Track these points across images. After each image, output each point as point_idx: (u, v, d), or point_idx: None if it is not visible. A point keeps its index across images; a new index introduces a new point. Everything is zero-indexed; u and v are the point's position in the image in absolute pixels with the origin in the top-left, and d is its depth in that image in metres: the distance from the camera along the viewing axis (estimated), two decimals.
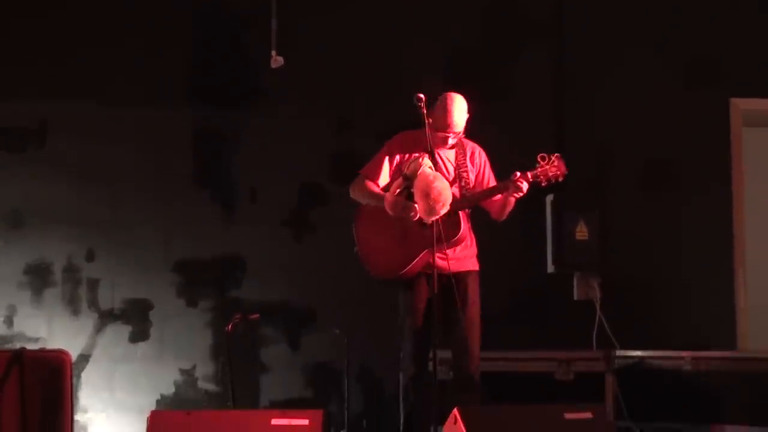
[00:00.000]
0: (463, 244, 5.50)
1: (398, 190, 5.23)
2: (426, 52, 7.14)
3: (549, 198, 6.93)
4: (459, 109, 5.45)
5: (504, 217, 5.60)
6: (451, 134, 5.46)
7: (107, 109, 7.10)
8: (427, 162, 5.17)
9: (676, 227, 7.22)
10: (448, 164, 5.53)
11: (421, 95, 5.11)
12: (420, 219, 5.18)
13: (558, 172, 5.40)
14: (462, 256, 5.50)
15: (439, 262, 5.25)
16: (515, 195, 5.39)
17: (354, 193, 5.63)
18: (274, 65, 6.75)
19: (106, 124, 7.11)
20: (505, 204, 5.52)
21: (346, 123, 7.09)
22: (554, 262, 6.92)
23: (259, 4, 6.88)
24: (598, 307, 6.80)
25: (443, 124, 5.43)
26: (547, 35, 7.41)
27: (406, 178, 5.19)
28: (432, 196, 4.96)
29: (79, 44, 7.14)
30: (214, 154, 7.20)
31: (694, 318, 7.06)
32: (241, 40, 7.24)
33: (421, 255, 5.35)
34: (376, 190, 5.52)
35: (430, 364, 5.27)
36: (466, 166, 5.55)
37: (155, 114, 7.12)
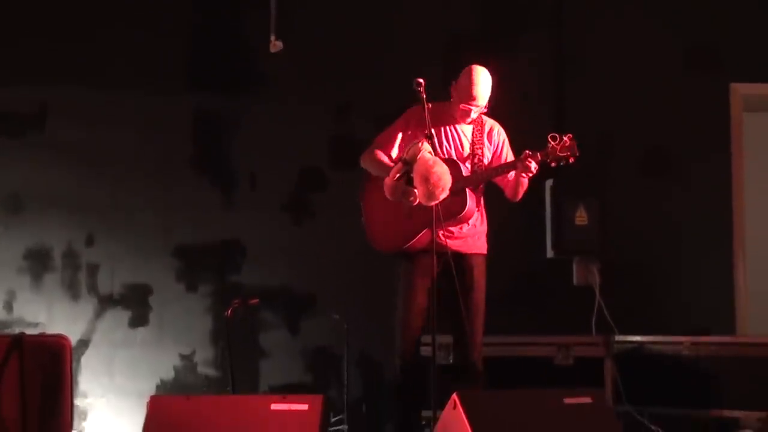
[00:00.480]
0: (471, 223, 5.45)
1: (398, 175, 5.22)
2: (425, 36, 7.13)
3: (549, 183, 6.93)
4: (485, 81, 5.44)
5: (518, 198, 5.52)
6: (474, 107, 5.44)
7: (107, 94, 7.09)
8: (426, 147, 5.15)
9: (676, 213, 7.22)
10: (463, 139, 5.50)
11: (420, 79, 5.09)
12: (420, 203, 5.17)
13: (568, 153, 5.30)
14: (467, 235, 5.42)
15: (445, 240, 5.26)
16: (525, 174, 5.34)
17: (364, 162, 5.59)
18: (273, 50, 6.75)
19: (105, 108, 7.10)
20: (517, 183, 5.45)
21: (346, 107, 7.08)
22: (554, 247, 6.92)
23: None
24: (597, 293, 6.81)
25: (467, 95, 5.42)
26: (547, 21, 7.39)
27: (405, 163, 5.17)
28: (431, 181, 4.95)
29: (79, 29, 7.12)
30: (214, 138, 7.19)
31: (694, 303, 7.07)
32: (240, 24, 7.23)
33: (424, 230, 5.32)
34: (386, 161, 5.48)
35: (426, 348, 5.29)
36: (482, 143, 5.51)
37: (155, 99, 7.11)
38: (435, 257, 5.09)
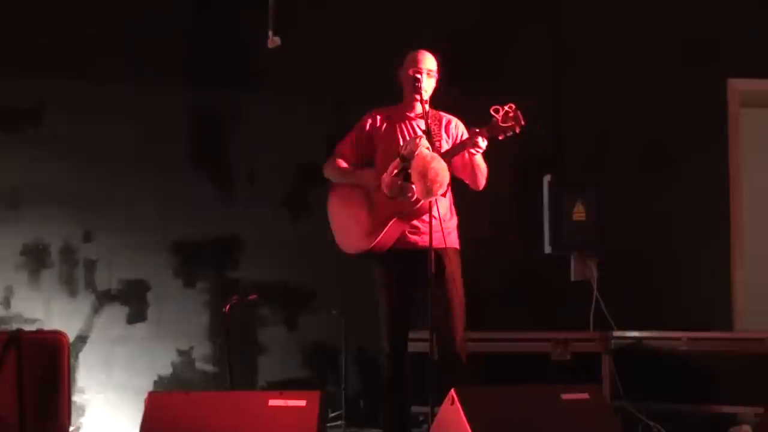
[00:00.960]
0: (439, 218, 5.26)
1: (395, 171, 5.23)
2: (424, 31, 7.12)
3: (546, 178, 6.92)
4: (427, 53, 5.54)
5: (480, 184, 5.48)
6: (421, 72, 5.46)
7: (104, 89, 7.08)
8: (424, 143, 5.16)
9: (674, 208, 7.23)
10: (420, 133, 5.45)
11: None
12: (417, 199, 5.18)
13: (512, 123, 5.20)
14: (435, 231, 5.21)
15: (412, 237, 5.37)
16: (474, 151, 5.28)
17: (326, 172, 5.69)
18: (270, 45, 6.73)
19: (103, 104, 7.09)
20: (472, 167, 5.40)
21: (344, 103, 7.07)
22: (551, 242, 6.91)
23: None
24: (595, 288, 6.80)
25: (413, 60, 5.52)
26: (545, 16, 7.40)
27: (403, 159, 5.18)
28: (429, 177, 4.95)
29: (76, 23, 7.10)
30: (212, 134, 7.19)
31: (691, 298, 7.08)
32: (238, 20, 7.22)
33: (387, 227, 5.34)
34: (344, 165, 5.59)
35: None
36: (440, 136, 5.49)
37: (153, 94, 7.10)
38: (432, 254, 5.09)
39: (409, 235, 5.40)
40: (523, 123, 5.22)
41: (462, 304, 5.42)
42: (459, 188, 5.56)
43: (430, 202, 5.04)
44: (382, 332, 5.49)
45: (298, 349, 7.08)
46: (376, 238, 5.37)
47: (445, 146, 5.47)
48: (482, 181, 5.50)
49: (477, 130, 5.28)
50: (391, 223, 5.33)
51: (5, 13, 7.11)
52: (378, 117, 5.63)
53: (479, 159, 5.39)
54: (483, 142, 5.25)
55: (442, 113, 5.60)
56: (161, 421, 4.91)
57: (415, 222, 5.39)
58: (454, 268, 5.43)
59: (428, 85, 5.50)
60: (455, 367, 5.37)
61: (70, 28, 7.11)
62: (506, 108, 5.23)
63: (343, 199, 5.62)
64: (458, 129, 5.60)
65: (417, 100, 5.47)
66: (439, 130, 5.50)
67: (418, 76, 5.46)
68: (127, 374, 6.97)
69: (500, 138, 5.27)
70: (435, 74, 5.53)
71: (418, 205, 5.27)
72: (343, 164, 5.62)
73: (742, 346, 6.28)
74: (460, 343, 5.39)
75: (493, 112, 5.24)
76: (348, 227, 5.55)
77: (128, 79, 7.09)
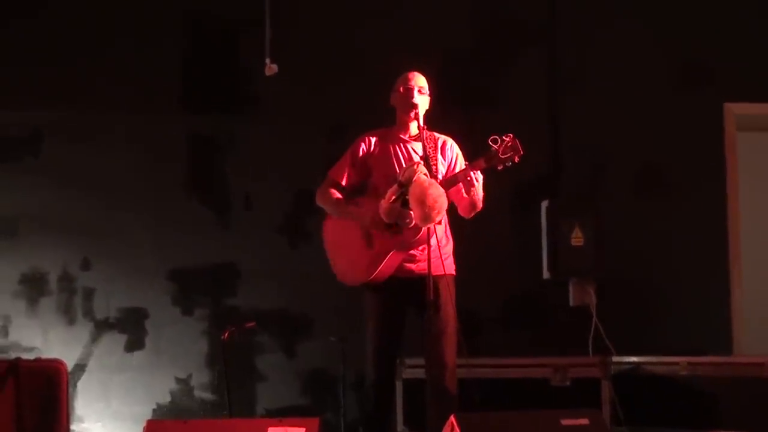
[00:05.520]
0: (435, 245, 5.16)
1: (393, 197, 5.22)
2: (419, 58, 7.12)
3: (544, 204, 6.94)
4: (416, 72, 5.56)
5: (468, 215, 5.46)
6: (412, 87, 5.49)
7: (101, 117, 7.10)
8: (422, 169, 5.15)
9: (672, 232, 7.23)
10: (414, 156, 5.44)
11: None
12: (416, 226, 5.17)
13: (511, 153, 5.18)
14: (434, 258, 5.12)
15: (408, 265, 5.35)
16: (471, 187, 5.25)
17: (319, 199, 5.65)
18: (268, 73, 6.75)
19: (100, 132, 7.11)
20: (471, 202, 5.36)
21: (340, 128, 7.07)
22: (550, 268, 6.92)
23: (253, 11, 6.88)
24: (594, 313, 6.80)
25: (404, 79, 5.54)
26: (541, 41, 7.42)
27: (401, 185, 5.17)
28: (428, 203, 4.94)
29: (73, 51, 7.12)
30: (209, 161, 7.19)
31: (690, 323, 7.07)
32: (235, 47, 7.24)
33: (386, 259, 5.32)
34: (337, 196, 5.55)
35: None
36: (436, 158, 5.47)
37: (149, 122, 7.12)
38: (431, 281, 5.08)
39: (405, 263, 5.39)
40: (521, 153, 5.21)
41: (453, 335, 5.36)
42: (455, 213, 5.55)
43: (428, 229, 5.03)
44: (368, 360, 5.50)
45: (296, 376, 7.06)
46: (375, 270, 5.35)
47: (441, 168, 5.46)
48: (471, 214, 5.46)
49: (469, 165, 5.27)
50: (390, 254, 5.31)
51: (3, 43, 7.13)
52: (371, 139, 5.60)
53: (477, 190, 5.32)
54: (480, 177, 5.25)
55: (436, 134, 5.58)
56: None
57: (411, 251, 5.38)
58: (446, 296, 5.34)
59: (421, 101, 5.49)
60: (445, 399, 5.31)
61: (67, 57, 7.12)
62: (505, 139, 5.22)
63: (338, 230, 5.58)
64: (453, 150, 5.59)
65: (411, 119, 5.48)
66: (435, 152, 5.48)
67: (410, 91, 5.48)
68: (126, 402, 6.95)
69: (499, 168, 5.26)
70: (426, 91, 5.52)
71: (419, 236, 5.24)
72: (336, 194, 5.57)
73: (741, 371, 6.28)
74: (450, 372, 5.35)
75: (491, 143, 5.23)
76: (345, 260, 5.53)
77: (125, 107, 7.11)
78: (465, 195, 5.31)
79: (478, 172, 5.24)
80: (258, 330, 6.81)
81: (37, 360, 5.50)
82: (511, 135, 5.22)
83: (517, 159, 5.21)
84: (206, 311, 7.08)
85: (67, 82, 7.11)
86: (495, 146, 5.21)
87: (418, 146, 5.47)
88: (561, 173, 7.32)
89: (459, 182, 5.29)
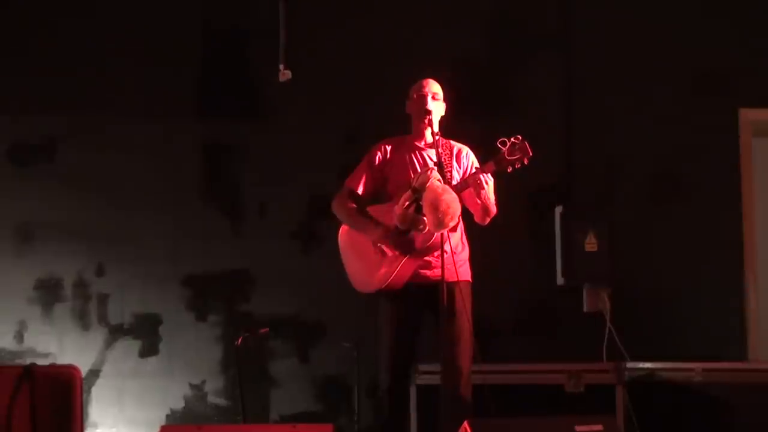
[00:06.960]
0: (449, 251, 5.25)
1: (407, 203, 5.23)
2: (433, 63, 7.12)
3: (558, 210, 6.92)
4: (430, 79, 5.60)
5: (484, 221, 5.45)
6: (426, 93, 5.51)
7: (116, 124, 7.12)
8: (435, 175, 5.16)
9: (686, 238, 7.20)
10: (429, 164, 5.46)
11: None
12: (429, 232, 5.17)
13: (520, 155, 5.19)
14: (446, 264, 5.17)
15: (423, 271, 5.36)
16: (481, 190, 5.25)
17: (335, 209, 5.68)
18: (281, 78, 6.75)
19: (115, 138, 7.13)
20: (481, 204, 5.35)
21: (355, 135, 7.08)
22: (564, 274, 6.90)
23: (268, 17, 6.88)
24: (608, 319, 6.78)
25: (418, 86, 5.57)
26: (555, 47, 7.41)
27: (414, 191, 5.18)
28: (441, 209, 4.95)
29: (89, 58, 7.16)
30: (223, 167, 7.21)
31: (705, 329, 7.04)
32: (249, 53, 7.26)
33: (400, 266, 5.33)
34: (353, 206, 5.58)
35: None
36: (452, 166, 5.49)
37: (164, 128, 7.15)
38: (444, 287, 5.08)
39: (420, 270, 5.39)
40: (530, 154, 5.21)
41: (468, 341, 5.39)
42: (471, 219, 5.55)
43: (441, 235, 5.03)
44: (382, 366, 5.51)
45: (310, 382, 7.06)
46: (389, 277, 5.36)
47: (456, 176, 5.47)
48: (487, 220, 5.46)
49: (479, 167, 5.28)
50: (403, 261, 5.31)
51: (18, 50, 7.16)
52: (387, 148, 5.63)
53: (488, 193, 5.33)
54: (491, 180, 5.25)
55: (452, 142, 5.59)
56: None
57: (426, 257, 5.38)
58: (461, 302, 5.36)
59: (435, 107, 5.50)
60: (459, 405, 5.32)
61: (82, 64, 7.16)
62: (513, 140, 5.22)
63: (353, 237, 5.61)
64: (469, 158, 5.60)
65: (426, 126, 5.49)
66: (450, 159, 5.49)
67: (424, 98, 5.48)
68: (140, 408, 6.96)
69: (509, 170, 5.25)
70: (440, 98, 5.54)
71: (431, 242, 5.24)
72: (352, 205, 5.60)
73: (757, 377, 6.25)
74: (465, 378, 5.38)
75: (499, 145, 5.23)
76: (360, 267, 5.55)
77: (140, 113, 7.14)
78: (477, 199, 5.31)
79: (488, 174, 5.24)
80: (272, 336, 6.81)
81: (52, 366, 5.53)
82: (520, 136, 5.23)
83: (526, 161, 5.21)
84: (220, 317, 7.09)
85: (84, 89, 7.15)
86: (503, 148, 5.22)
87: (433, 153, 5.48)
88: (575, 179, 7.31)
89: (469, 186, 5.28)
